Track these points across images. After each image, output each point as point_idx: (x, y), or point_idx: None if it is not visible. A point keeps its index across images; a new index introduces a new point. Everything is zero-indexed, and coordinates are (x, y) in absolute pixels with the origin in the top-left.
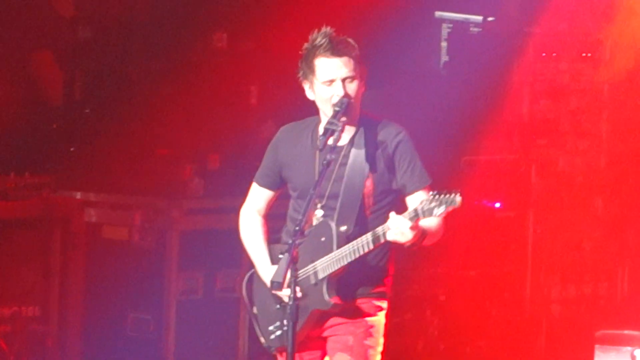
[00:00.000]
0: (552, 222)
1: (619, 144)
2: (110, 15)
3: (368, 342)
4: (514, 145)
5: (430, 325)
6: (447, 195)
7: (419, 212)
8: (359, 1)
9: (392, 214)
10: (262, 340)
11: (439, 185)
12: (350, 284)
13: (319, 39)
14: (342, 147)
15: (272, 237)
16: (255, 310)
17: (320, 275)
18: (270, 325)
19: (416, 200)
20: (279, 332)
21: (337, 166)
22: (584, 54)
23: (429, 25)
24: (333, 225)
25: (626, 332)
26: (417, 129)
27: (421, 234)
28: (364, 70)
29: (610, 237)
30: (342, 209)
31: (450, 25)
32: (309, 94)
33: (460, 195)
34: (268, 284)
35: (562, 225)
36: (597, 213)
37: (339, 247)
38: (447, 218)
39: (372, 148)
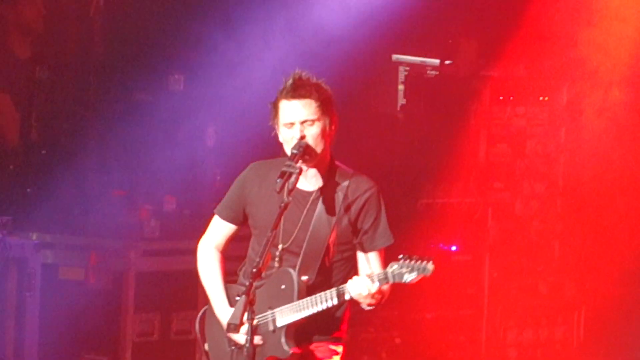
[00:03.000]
0: (508, 266)
1: (576, 188)
2: (67, 57)
3: None
4: (471, 188)
5: None
6: (420, 262)
7: (389, 276)
8: (317, 44)
9: (356, 278)
10: None
11: (394, 227)
12: (307, 331)
13: (286, 82)
14: (310, 192)
15: (229, 278)
16: (207, 347)
17: (279, 324)
18: None
19: (372, 259)
20: None
21: (305, 211)
22: (541, 98)
23: (386, 68)
24: (294, 274)
25: None
26: (374, 171)
27: (382, 297)
28: (333, 114)
29: (567, 281)
30: (305, 258)
31: (407, 69)
32: (279, 137)
33: (433, 263)
34: (224, 324)
35: (519, 269)
36: (553, 257)
37: (299, 297)
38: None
39: (340, 200)
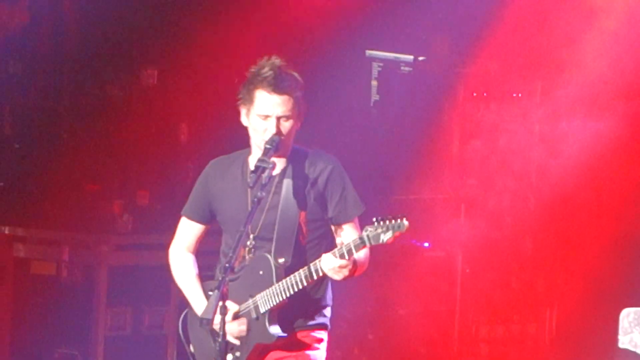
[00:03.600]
0: (481, 262)
1: (549, 184)
2: (40, 51)
3: None
4: (444, 184)
5: None
6: (394, 221)
7: (365, 240)
8: (291, 39)
9: (327, 254)
10: None
11: (366, 223)
12: (290, 316)
13: (265, 70)
14: (274, 176)
15: (204, 274)
16: (192, 348)
17: (262, 309)
18: None
19: (348, 230)
20: None
21: (270, 195)
22: (514, 94)
23: (359, 63)
24: (271, 258)
25: None
26: (347, 167)
27: (354, 267)
28: (304, 107)
29: (539, 277)
30: (279, 241)
31: (381, 64)
32: (244, 120)
33: (407, 219)
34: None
35: (491, 265)
36: (526, 253)
37: (278, 280)
38: (378, 255)
39: (304, 179)
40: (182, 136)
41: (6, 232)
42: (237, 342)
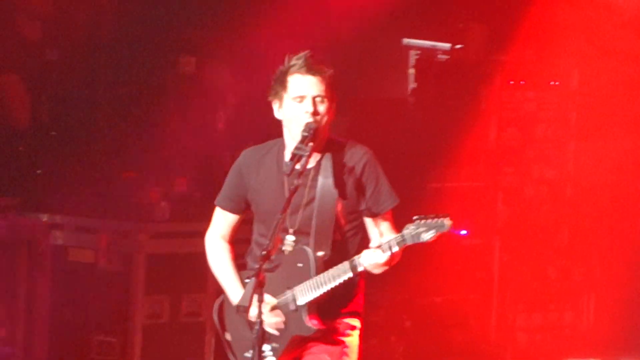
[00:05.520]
0: (518, 250)
1: (585, 173)
2: (78, 38)
3: None
4: (481, 172)
5: (395, 351)
6: (436, 220)
7: (407, 238)
8: (328, 27)
9: (368, 250)
10: None
11: (402, 211)
12: (326, 305)
13: (294, 59)
14: (309, 169)
15: (238, 262)
16: (228, 336)
17: (300, 302)
18: (246, 352)
19: (382, 224)
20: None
21: (306, 189)
22: (551, 83)
23: (396, 52)
24: (310, 251)
25: None
26: (384, 155)
27: (392, 261)
28: (335, 96)
29: (576, 265)
30: (317, 234)
31: (418, 52)
32: (277, 114)
33: (450, 218)
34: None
35: (528, 253)
36: (563, 241)
37: (317, 273)
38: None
39: (339, 171)
40: (220, 124)
41: (44, 219)
42: (276, 333)
